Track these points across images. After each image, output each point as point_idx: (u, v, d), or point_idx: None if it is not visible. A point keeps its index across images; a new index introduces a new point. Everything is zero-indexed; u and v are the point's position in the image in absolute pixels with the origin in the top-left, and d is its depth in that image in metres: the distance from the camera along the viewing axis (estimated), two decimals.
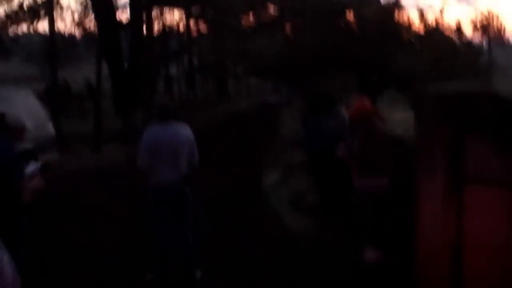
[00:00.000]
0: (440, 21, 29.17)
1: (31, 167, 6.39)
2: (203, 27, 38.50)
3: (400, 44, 25.54)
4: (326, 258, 7.97)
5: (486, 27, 67.45)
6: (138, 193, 12.32)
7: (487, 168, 5.75)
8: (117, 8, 30.07)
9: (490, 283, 5.71)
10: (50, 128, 12.61)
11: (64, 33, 33.69)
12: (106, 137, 23.16)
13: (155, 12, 33.87)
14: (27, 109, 10.62)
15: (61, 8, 31.65)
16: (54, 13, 23.34)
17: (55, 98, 21.42)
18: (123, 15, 54.86)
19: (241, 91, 46.21)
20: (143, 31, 29.80)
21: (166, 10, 36.90)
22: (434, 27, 28.46)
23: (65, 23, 62.46)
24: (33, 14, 28.45)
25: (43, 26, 51.62)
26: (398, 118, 16.81)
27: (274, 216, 10.40)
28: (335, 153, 8.57)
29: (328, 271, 7.49)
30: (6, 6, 28.49)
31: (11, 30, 31.06)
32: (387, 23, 25.94)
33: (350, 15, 27.21)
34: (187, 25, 37.59)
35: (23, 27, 30.01)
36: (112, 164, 18.45)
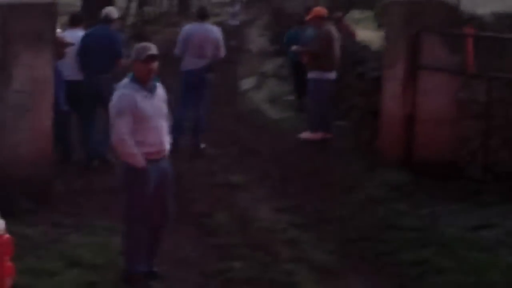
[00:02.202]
0: None
1: None
2: None
3: None
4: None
5: None
6: None
7: (436, 58, 8.12)
8: None
9: (435, 148, 8.10)
10: None
11: None
12: None
13: None
14: None
15: None
16: None
17: None
18: None
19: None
20: None
21: None
22: None
23: None
24: None
25: None
26: (364, 35, 19.16)
27: (256, 110, 12.78)
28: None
29: (304, 147, 9.90)
30: None
31: None
32: None
33: None
34: None
35: None
36: None
